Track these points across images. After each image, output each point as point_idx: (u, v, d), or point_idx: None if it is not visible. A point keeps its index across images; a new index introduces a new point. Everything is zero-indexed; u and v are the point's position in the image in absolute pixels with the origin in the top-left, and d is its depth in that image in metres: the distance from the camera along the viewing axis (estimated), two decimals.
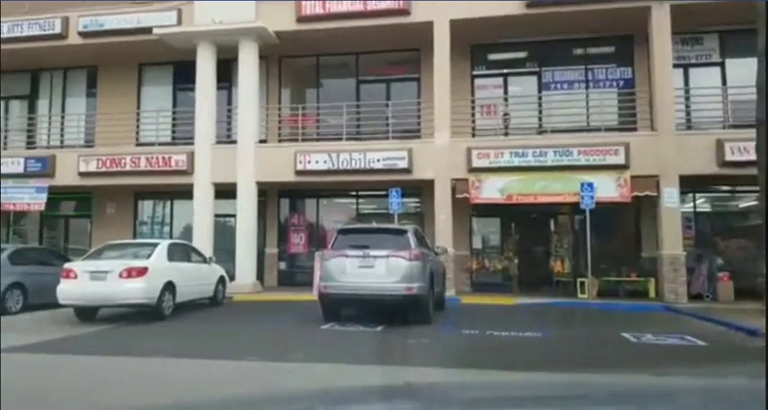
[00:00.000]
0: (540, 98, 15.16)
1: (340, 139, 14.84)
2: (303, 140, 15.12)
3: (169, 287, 10.22)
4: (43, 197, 15.40)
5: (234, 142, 15.25)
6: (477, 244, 15.15)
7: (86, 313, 10.17)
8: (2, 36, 15.87)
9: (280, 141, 15.69)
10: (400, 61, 16.25)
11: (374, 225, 10.97)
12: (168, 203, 17.14)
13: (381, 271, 8.71)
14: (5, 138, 17.67)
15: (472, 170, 13.44)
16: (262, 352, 7.11)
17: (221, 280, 12.58)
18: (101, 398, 4.91)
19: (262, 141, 15.30)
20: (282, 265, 16.28)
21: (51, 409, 4.77)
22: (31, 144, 17.03)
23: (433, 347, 7.54)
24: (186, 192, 15.63)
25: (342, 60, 16.47)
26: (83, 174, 15.48)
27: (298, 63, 16.86)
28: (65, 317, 10.25)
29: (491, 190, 13.23)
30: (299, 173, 14.42)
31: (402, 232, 9.28)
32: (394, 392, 1.87)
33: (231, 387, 5.25)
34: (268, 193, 16.07)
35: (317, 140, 15.27)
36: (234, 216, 15.68)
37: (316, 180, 14.56)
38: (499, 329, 8.72)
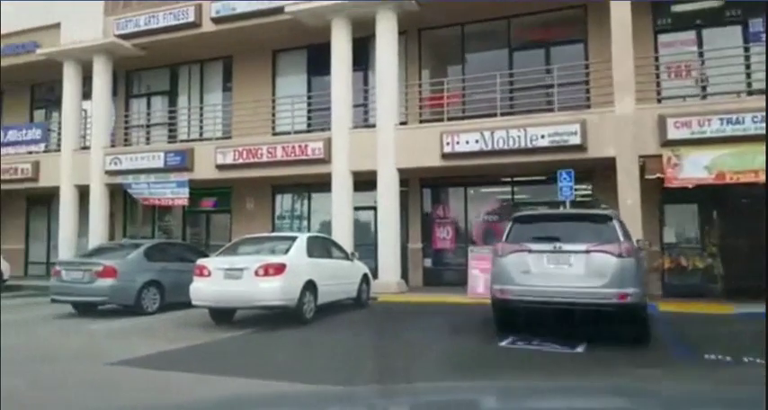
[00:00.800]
0: (747, 49, 11.97)
1: (493, 116, 12.74)
2: (449, 119, 13.21)
3: (310, 286, 8.80)
4: (185, 191, 14.97)
5: (372, 126, 13.77)
6: (670, 237, 12.29)
7: (222, 315, 9.06)
8: (140, 28, 15.77)
9: (420, 122, 13.94)
10: (561, 22, 13.78)
11: (563, 210, 8.78)
12: (305, 196, 16.10)
13: (580, 270, 6.54)
14: (148, 133, 17.71)
15: (667, 143, 10.71)
16: (437, 378, 5.27)
17: (365, 278, 11.06)
18: None
19: (402, 124, 13.63)
20: (427, 262, 14.52)
21: None
22: (171, 138, 16.83)
23: (682, 386, 5.23)
24: (323, 185, 14.47)
25: (490, 27, 14.34)
26: (220, 167, 14.82)
27: (439, 35, 15.01)
28: (199, 319, 9.22)
29: (694, 167, 10.42)
30: (445, 156, 12.55)
31: (604, 219, 6.99)
32: (396, 394, 1.85)
33: None
34: (410, 183, 14.40)
35: (464, 119, 13.29)
36: (374, 208, 14.22)
37: (465, 163, 12.59)
38: (753, 353, 6.17)
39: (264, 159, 14.32)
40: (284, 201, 16.55)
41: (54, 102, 18.80)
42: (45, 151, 17.65)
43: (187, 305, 9.94)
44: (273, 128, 15.74)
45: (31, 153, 17.70)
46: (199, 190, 15.92)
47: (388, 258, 12.81)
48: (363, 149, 13.39)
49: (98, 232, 16.06)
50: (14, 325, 9.58)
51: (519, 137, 11.81)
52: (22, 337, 8.41)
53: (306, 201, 16.10)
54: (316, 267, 9.10)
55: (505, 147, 11.97)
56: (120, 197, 17.54)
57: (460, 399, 1.72)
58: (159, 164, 15.40)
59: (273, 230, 16.21)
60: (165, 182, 15.31)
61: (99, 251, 11.41)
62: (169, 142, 16.58)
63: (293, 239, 9.22)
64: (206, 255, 11.81)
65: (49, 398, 4.89)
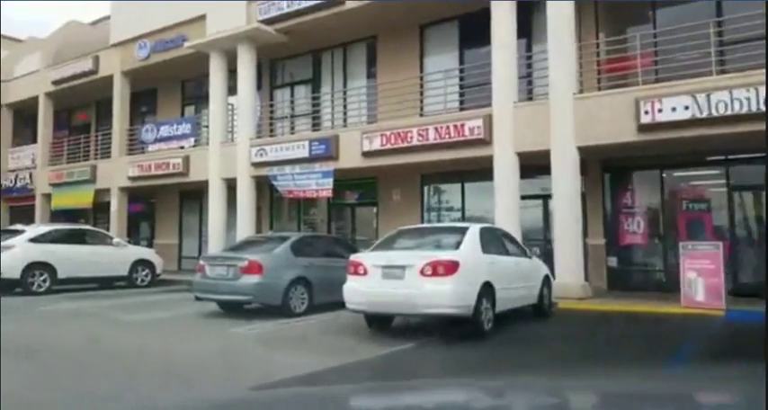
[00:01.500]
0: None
1: (701, 75, 9.99)
2: (643, 83, 10.63)
3: (487, 290, 6.95)
4: (329, 182, 13.86)
5: (539, 99, 11.61)
6: None
7: (379, 321, 7.52)
8: (282, 11, 14.94)
9: (599, 89, 11.50)
10: None
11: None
12: (458, 186, 14.26)
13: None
14: (293, 123, 16.95)
15: None
16: None
17: (546, 280, 9.00)
18: None
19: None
20: (612, 262, 12.02)
21: None
22: (315, 128, 15.87)
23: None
24: (480, 172, 12.61)
25: None
26: (366, 154, 13.48)
27: None
28: (353, 324, 7.77)
29: None
30: (644, 128, 10.03)
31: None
32: (397, 391, 1.85)
33: None
34: (588, 167, 12.00)
35: (659, 82, 10.63)
36: (544, 196, 12.06)
37: (670, 136, 9.97)
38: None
39: (415, 143, 12.72)
40: (434, 192, 14.86)
41: (203, 98, 18.79)
42: (195, 145, 17.58)
43: (335, 306, 8.63)
44: (422, 109, 14.13)
45: (182, 148, 17.73)
46: (343, 181, 14.76)
47: (568, 256, 10.58)
48: (533, 126, 11.28)
49: (245, 226, 15.51)
50: (158, 325, 8.80)
51: (749, 98, 9.01)
52: (158, 339, 7.49)
53: (458, 191, 14.26)
54: (492, 266, 7.23)
55: (728, 112, 9.22)
56: (266, 191, 16.97)
57: (464, 399, 1.71)
58: (304, 153, 14.43)
59: (423, 223, 14.63)
60: (310, 172, 14.31)
61: (244, 245, 10.47)
62: (313, 130, 15.64)
63: (463, 231, 7.41)
64: (355, 250, 10.46)
65: None
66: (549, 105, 11.13)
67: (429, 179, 14.62)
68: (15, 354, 6.52)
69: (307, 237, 10.41)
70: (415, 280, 6.56)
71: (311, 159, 14.35)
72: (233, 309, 9.68)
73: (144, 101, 20.89)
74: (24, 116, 23.84)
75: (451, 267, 6.51)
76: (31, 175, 22.04)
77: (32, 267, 12.83)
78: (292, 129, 16.82)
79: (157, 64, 18.42)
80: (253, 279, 8.80)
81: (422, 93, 14.26)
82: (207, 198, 17.10)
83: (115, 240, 14.74)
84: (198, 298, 9.46)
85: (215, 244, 15.90)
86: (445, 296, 6.47)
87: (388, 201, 15.16)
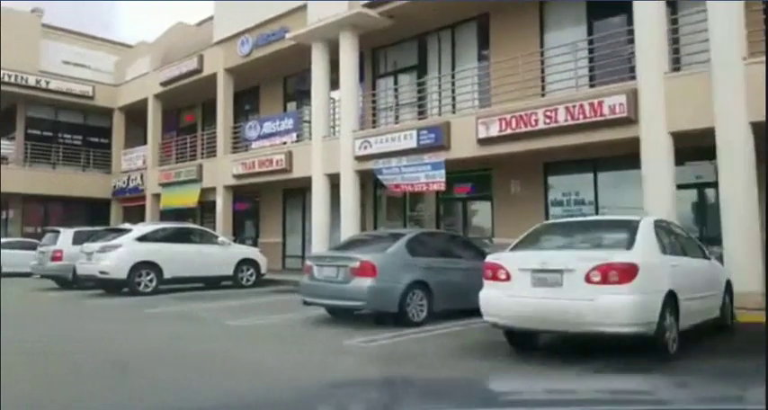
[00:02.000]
0: None
1: None
2: None
3: (670, 301, 5.34)
4: (441, 174, 12.59)
5: (693, 68, 9.66)
6: None
7: (523, 336, 6.11)
8: None
9: None
10: None
11: None
12: (589, 177, 12.47)
13: None
14: (397, 114, 15.84)
15: None
16: None
17: (728, 287, 7.18)
18: None
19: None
20: None
21: None
22: (421, 114, 14.65)
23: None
24: (613, 159, 10.88)
25: None
26: (483, 142, 12.06)
27: None
28: (487, 341, 6.43)
29: None
30: None
31: None
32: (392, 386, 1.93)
33: None
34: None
35: None
36: (698, 186, 10.11)
37: None
38: None
39: (540, 126, 11.14)
40: (560, 183, 13.14)
41: (304, 93, 18.18)
42: (297, 141, 16.95)
43: (456, 314, 7.35)
44: (543, 88, 12.51)
45: (284, 143, 17.16)
46: (453, 173, 13.38)
47: (744, 257, 8.58)
48: (689, 100, 9.37)
49: (349, 224, 14.58)
50: (266, 332, 7.92)
51: None
52: (269, 350, 6.54)
53: (591, 182, 12.46)
54: (675, 270, 5.61)
55: None
56: (369, 187, 16.01)
57: (460, 394, 1.72)
58: (411, 143, 13.24)
59: (548, 219, 12.97)
60: (419, 164, 13.10)
61: (353, 243, 9.40)
62: (419, 119, 14.42)
63: (631, 225, 5.82)
64: (478, 249, 9.10)
65: None
66: (711, 74, 9.17)
67: (554, 168, 12.95)
68: (118, 363, 5.81)
69: (423, 235, 9.14)
70: (579, 289, 5.10)
71: (419, 150, 13.13)
72: (343, 315, 8.67)
73: (247, 99, 20.67)
74: (135, 119, 24.54)
75: (628, 272, 4.99)
76: (141, 176, 22.56)
77: (139, 267, 12.57)
78: (396, 119, 15.72)
79: (259, 60, 18.02)
80: (365, 282, 7.69)
81: (542, 71, 12.64)
82: (309, 195, 16.43)
83: (220, 239, 14.30)
84: (306, 303, 8.50)
85: (319, 242, 15.13)
86: (622, 309, 4.96)
87: (504, 195, 13.64)
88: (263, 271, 14.65)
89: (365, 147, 14.27)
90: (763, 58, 9.07)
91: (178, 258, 13.10)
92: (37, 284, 14.89)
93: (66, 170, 23.93)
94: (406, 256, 8.09)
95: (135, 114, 24.19)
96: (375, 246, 8.48)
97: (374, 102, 16.24)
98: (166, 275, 12.94)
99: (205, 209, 20.37)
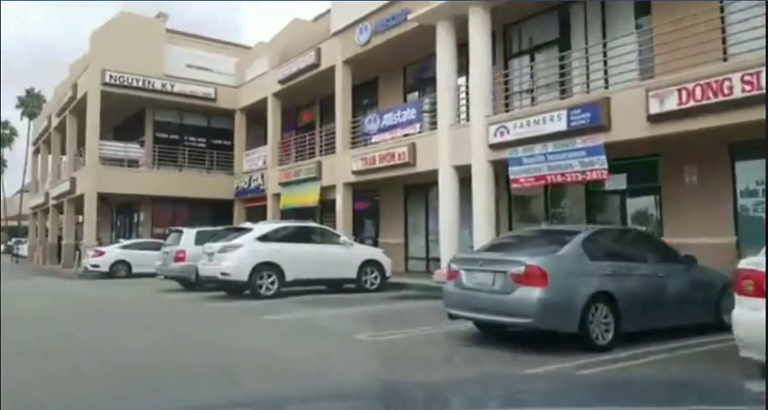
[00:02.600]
0: None
1: None
2: None
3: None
4: (601, 161, 10.56)
5: None
6: None
7: None
8: None
9: None
10: None
11: None
12: None
13: None
14: (533, 95, 13.90)
15: None
16: None
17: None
18: None
19: None
20: None
21: None
22: (564, 93, 12.63)
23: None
24: None
25: None
26: (654, 119, 9.86)
27: None
28: (721, 377, 4.49)
29: None
30: None
31: None
32: (392, 390, 1.80)
33: None
34: None
35: None
36: None
37: None
38: None
39: (736, 95, 8.79)
40: (751, 169, 10.56)
41: (426, 81, 16.78)
42: (420, 132, 15.52)
43: (648, 336, 5.48)
44: (725, 52, 10.07)
45: (406, 135, 15.81)
46: (612, 160, 11.25)
47: None
48: None
49: (483, 222, 12.88)
50: (396, 350, 6.44)
51: None
52: (395, 374, 5.04)
53: None
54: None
55: None
56: (503, 180, 14.18)
57: (459, 397, 1.70)
58: (560, 126, 11.29)
59: (735, 215, 10.48)
60: (570, 150, 11.13)
61: (508, 243, 7.68)
62: (562, 97, 12.40)
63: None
64: (675, 252, 7.08)
65: None
66: None
67: (742, 150, 10.42)
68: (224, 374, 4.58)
69: (601, 232, 7.23)
70: None
71: (570, 133, 11.14)
72: (494, 330, 7.02)
73: (365, 92, 19.59)
74: (256, 119, 24.46)
75: None
76: (262, 176, 22.28)
77: (260, 268, 11.73)
78: (532, 100, 13.79)
79: (378, 48, 16.84)
80: (533, 292, 5.97)
81: (723, 31, 10.18)
82: (433, 191, 14.94)
83: (342, 239, 13.20)
84: (452, 316, 6.93)
85: (447, 243, 13.57)
86: None
87: (676, 185, 11.28)
88: (387, 273, 13.38)
89: (501, 134, 12.50)
90: None
91: (300, 259, 12.14)
92: (162, 285, 14.67)
93: (191, 172, 24.32)
94: (584, 260, 6.27)
95: (255, 114, 24.10)
96: (539, 247, 6.73)
97: (506, 83, 14.40)
98: (288, 277, 12.01)
99: (324, 208, 19.55)
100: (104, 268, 19.00)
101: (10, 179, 55.76)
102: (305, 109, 23.69)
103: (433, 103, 15.01)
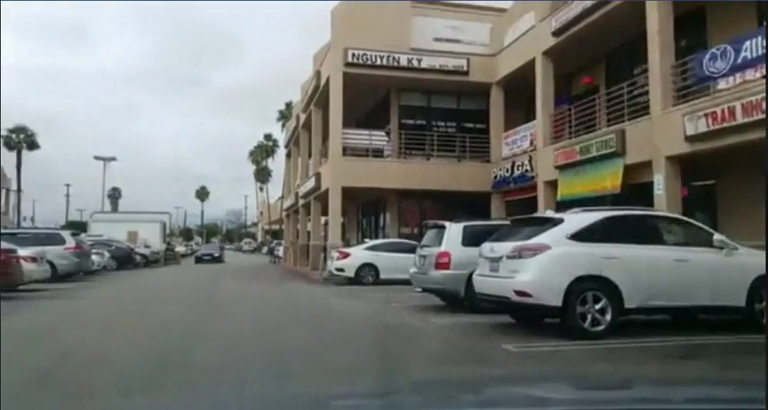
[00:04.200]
0: None
1: None
2: None
3: None
4: None
5: None
6: None
7: None
8: None
9: None
10: None
11: None
12: None
13: None
14: None
15: None
16: None
17: None
18: None
19: None
20: None
21: None
22: None
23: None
24: None
25: None
26: None
27: None
28: None
29: None
30: None
31: None
32: (399, 389, 1.78)
33: None
34: None
35: None
36: None
37: None
38: None
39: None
40: None
41: None
42: None
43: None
44: None
45: None
46: None
47: None
48: None
49: None
50: None
51: None
52: None
53: None
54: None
55: None
56: None
57: (465, 396, 1.70)
58: None
59: None
60: None
61: None
62: None
63: None
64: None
65: None
66: None
67: None
68: None
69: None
70: None
71: None
72: None
73: (686, 30, 13.52)
74: (516, 93, 19.85)
75: None
76: (530, 159, 17.51)
77: (581, 286, 6.88)
78: None
79: None
80: None
81: None
82: None
83: (716, 238, 7.66)
84: None
85: None
86: None
87: None
88: None
89: None
90: None
91: (647, 271, 7.04)
92: (416, 300, 10.79)
93: (440, 161, 20.67)
94: None
95: (515, 87, 19.54)
96: None
97: None
98: (628, 302, 7.00)
99: (629, 195, 13.95)
100: (349, 272, 16.13)
101: (277, 187, 60.33)
102: (582, 73, 18.24)
103: None
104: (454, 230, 9.92)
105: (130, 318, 9.44)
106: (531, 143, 17.98)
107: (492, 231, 9.27)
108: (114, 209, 69.74)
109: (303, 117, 27.25)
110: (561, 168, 15.78)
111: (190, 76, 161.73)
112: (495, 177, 19.49)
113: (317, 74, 22.16)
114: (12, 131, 42.15)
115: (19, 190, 43.70)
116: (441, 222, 10.51)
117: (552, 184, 16.39)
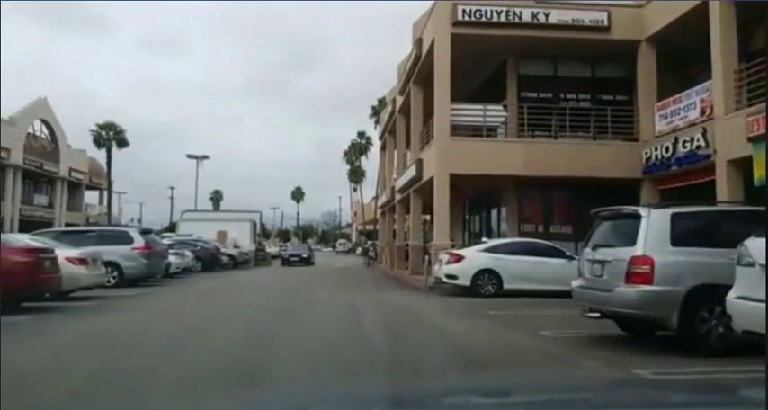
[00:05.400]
0: None
1: None
2: None
3: None
4: None
5: None
6: None
7: None
8: None
9: None
10: None
11: None
12: None
13: None
14: None
15: None
16: None
17: None
18: None
19: None
20: None
21: None
22: None
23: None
24: None
25: None
26: None
27: None
28: None
29: None
30: None
31: None
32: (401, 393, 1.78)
33: None
34: None
35: None
36: None
37: None
38: None
39: None
40: None
41: None
42: None
43: None
44: None
45: None
46: None
47: None
48: None
49: None
50: None
51: None
52: None
53: None
54: None
55: None
56: None
57: (467, 400, 1.67)
58: None
59: None
60: None
61: None
62: None
63: None
64: None
65: None
66: None
67: None
68: None
69: None
70: None
71: None
72: None
73: None
74: (674, 52, 15.46)
75: None
76: (703, 133, 13.12)
77: None
78: None
79: None
80: None
81: None
82: None
83: None
84: None
85: None
86: None
87: None
88: None
89: None
90: None
91: None
92: (575, 326, 7.08)
93: (570, 142, 16.65)
94: None
95: (668, 47, 15.16)
96: None
97: None
98: None
99: None
100: (464, 280, 12.55)
101: (370, 187, 57.86)
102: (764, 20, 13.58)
103: None
104: (657, 220, 6.07)
105: (155, 347, 6.47)
106: (703, 112, 13.57)
107: (719, 221, 5.44)
108: (216, 210, 70.24)
109: (400, 100, 24.03)
110: (755, 141, 11.42)
111: (283, 81, 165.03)
112: (648, 159, 15.17)
113: (418, 42, 18.77)
114: (101, 128, 41.89)
115: (110, 186, 43.72)
116: (630, 208, 6.67)
117: (740, 164, 12.03)
